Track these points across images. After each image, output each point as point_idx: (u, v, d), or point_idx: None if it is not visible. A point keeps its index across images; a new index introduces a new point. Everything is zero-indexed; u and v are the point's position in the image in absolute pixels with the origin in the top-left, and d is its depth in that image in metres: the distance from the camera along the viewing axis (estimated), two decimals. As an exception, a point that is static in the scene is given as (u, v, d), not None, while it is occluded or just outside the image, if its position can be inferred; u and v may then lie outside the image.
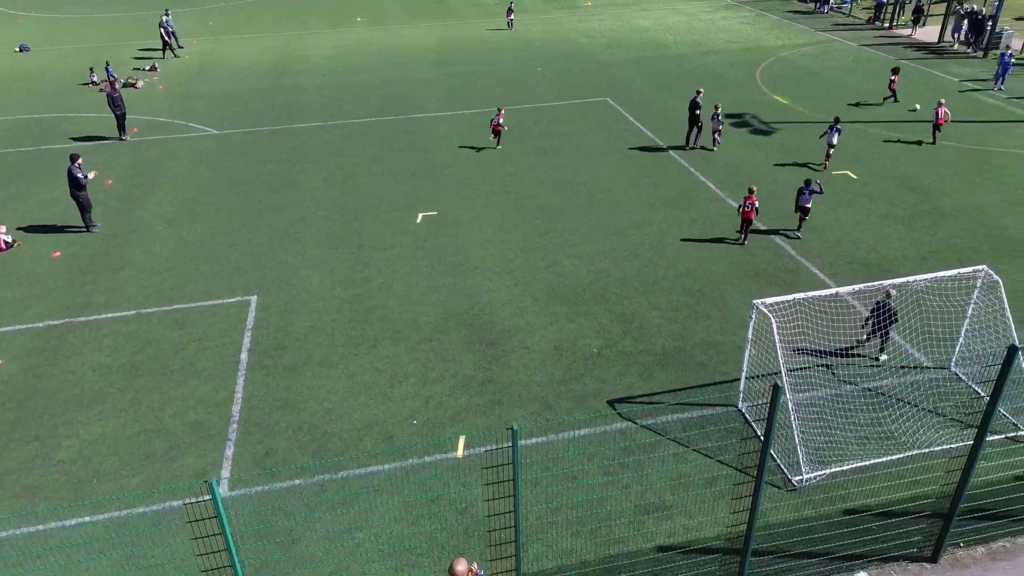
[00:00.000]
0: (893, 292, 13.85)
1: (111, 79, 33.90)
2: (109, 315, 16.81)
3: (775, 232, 19.69)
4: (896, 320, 13.96)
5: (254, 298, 17.36)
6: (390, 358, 15.19)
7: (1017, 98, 29.84)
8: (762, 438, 8.67)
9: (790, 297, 12.59)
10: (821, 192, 19.49)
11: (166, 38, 39.06)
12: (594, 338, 15.67)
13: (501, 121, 25.72)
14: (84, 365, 15.15)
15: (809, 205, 19.28)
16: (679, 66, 35.49)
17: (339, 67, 36.86)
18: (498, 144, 26.13)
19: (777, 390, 8.31)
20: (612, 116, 28.91)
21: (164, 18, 39.29)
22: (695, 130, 25.32)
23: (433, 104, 30.94)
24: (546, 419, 13.38)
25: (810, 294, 12.66)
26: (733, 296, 17.02)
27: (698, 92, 25.06)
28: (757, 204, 19.14)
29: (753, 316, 12.58)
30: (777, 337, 12.03)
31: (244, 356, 15.31)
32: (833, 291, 12.81)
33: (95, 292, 17.73)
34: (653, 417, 13.39)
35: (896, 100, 29.14)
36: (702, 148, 25.51)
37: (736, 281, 17.59)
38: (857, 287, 12.91)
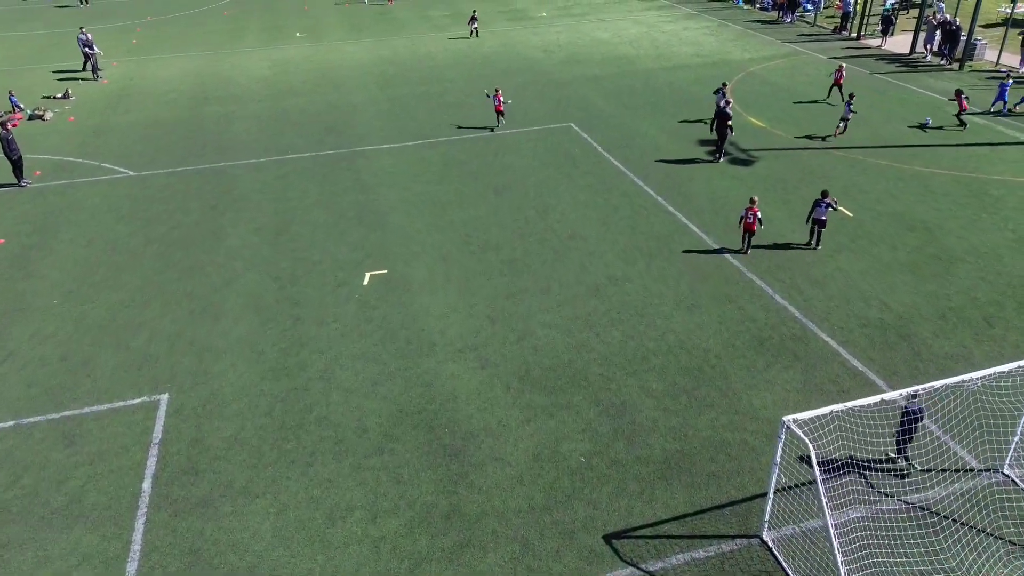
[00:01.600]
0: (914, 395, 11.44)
1: (15, 110, 30.26)
2: (-20, 428, 13.62)
3: (775, 245, 17.36)
4: (921, 419, 11.58)
5: (164, 397, 14.30)
6: (330, 481, 12.32)
7: (1003, 115, 28.15)
8: None
9: (827, 410, 10.14)
10: (836, 207, 18.69)
11: (89, 53, 35.38)
12: (580, 440, 13.02)
13: (501, 99, 27.57)
14: (-59, 505, 11.97)
15: (825, 218, 18.51)
16: (646, 83, 33.11)
17: (275, 90, 33.59)
18: (500, 122, 28.02)
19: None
20: (577, 145, 26.33)
21: (81, 36, 35.61)
22: (723, 141, 24.53)
23: (378, 134, 27.97)
24: (528, 568, 10.69)
25: (851, 404, 10.20)
26: (737, 374, 14.56)
27: (727, 101, 24.37)
28: (760, 214, 18.29)
29: (783, 436, 10.11)
30: (817, 469, 9.55)
31: (146, 486, 12.28)
32: (878, 398, 10.39)
33: (-34, 395, 14.48)
34: (661, 558, 10.80)
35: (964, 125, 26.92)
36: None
37: (737, 355, 15.12)
38: (905, 391, 10.51)
